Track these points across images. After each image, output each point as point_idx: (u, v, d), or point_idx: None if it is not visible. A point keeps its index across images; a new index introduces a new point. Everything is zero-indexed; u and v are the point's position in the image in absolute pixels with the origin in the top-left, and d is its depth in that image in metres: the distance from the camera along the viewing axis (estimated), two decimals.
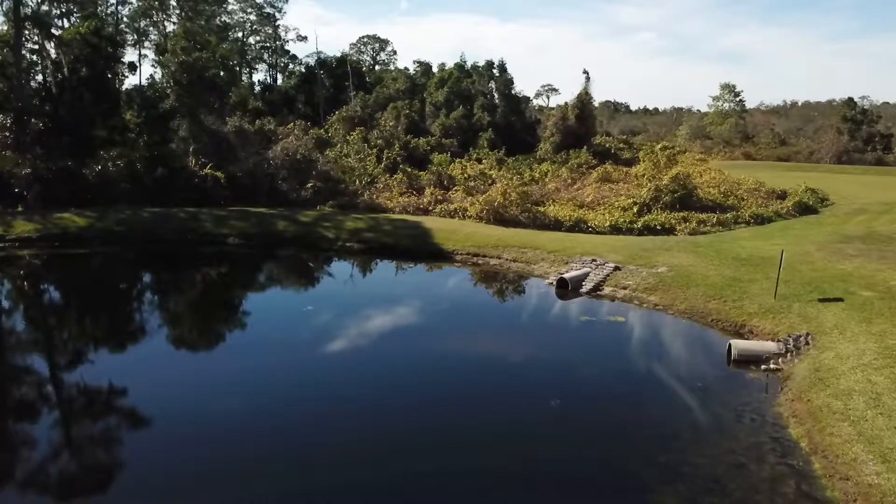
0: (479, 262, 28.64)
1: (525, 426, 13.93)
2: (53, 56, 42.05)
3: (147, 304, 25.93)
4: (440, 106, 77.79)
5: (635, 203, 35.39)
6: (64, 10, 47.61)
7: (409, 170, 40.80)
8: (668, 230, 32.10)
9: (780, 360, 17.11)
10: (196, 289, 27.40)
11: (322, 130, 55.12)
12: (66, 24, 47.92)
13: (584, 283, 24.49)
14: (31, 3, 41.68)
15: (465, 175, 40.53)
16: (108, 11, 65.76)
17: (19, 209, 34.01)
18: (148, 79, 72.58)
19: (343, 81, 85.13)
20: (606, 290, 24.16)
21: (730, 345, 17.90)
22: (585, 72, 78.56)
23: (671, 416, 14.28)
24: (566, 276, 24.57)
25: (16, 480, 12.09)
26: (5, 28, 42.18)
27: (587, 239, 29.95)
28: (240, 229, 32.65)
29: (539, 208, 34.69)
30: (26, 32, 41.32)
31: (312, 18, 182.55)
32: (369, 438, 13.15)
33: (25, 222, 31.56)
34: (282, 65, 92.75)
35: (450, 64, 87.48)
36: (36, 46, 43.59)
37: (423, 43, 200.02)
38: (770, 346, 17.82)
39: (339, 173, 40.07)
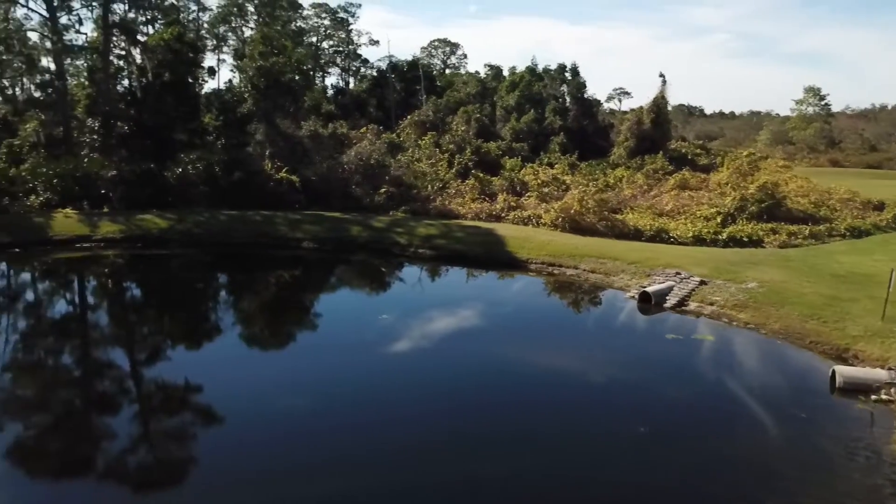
0: (555, 272, 27.78)
1: (612, 455, 13.11)
2: (139, 62, 43.42)
3: (223, 305, 26.21)
4: (511, 110, 76.90)
5: (719, 213, 33.82)
6: (149, 16, 49.02)
7: (482, 175, 40.19)
8: (756, 242, 30.46)
9: (892, 390, 15.68)
10: (271, 292, 27.59)
11: (394, 135, 55.09)
12: (150, 31, 49.31)
13: (667, 298, 23.35)
14: (118, 11, 42.86)
15: (539, 181, 39.62)
16: (190, 18, 67.75)
17: (105, 210, 35.09)
18: (226, 83, 74.59)
19: (414, 85, 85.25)
20: (692, 305, 22.94)
21: (833, 371, 16.57)
22: (662, 75, 76.39)
23: (773, 451, 13.19)
24: (649, 289, 23.49)
25: (97, 470, 12.70)
26: (94, 35, 43.83)
27: (669, 250, 28.66)
28: (314, 233, 32.74)
29: (616, 216, 33.56)
30: (114, 39, 42.77)
31: (382, 23, 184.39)
32: (438, 459, 12.65)
33: (110, 223, 32.49)
34: (354, 69, 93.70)
35: (520, 67, 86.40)
36: (122, 52, 45.11)
37: (490, 46, 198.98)
38: (880, 374, 16.37)
39: (412, 178, 39.83)
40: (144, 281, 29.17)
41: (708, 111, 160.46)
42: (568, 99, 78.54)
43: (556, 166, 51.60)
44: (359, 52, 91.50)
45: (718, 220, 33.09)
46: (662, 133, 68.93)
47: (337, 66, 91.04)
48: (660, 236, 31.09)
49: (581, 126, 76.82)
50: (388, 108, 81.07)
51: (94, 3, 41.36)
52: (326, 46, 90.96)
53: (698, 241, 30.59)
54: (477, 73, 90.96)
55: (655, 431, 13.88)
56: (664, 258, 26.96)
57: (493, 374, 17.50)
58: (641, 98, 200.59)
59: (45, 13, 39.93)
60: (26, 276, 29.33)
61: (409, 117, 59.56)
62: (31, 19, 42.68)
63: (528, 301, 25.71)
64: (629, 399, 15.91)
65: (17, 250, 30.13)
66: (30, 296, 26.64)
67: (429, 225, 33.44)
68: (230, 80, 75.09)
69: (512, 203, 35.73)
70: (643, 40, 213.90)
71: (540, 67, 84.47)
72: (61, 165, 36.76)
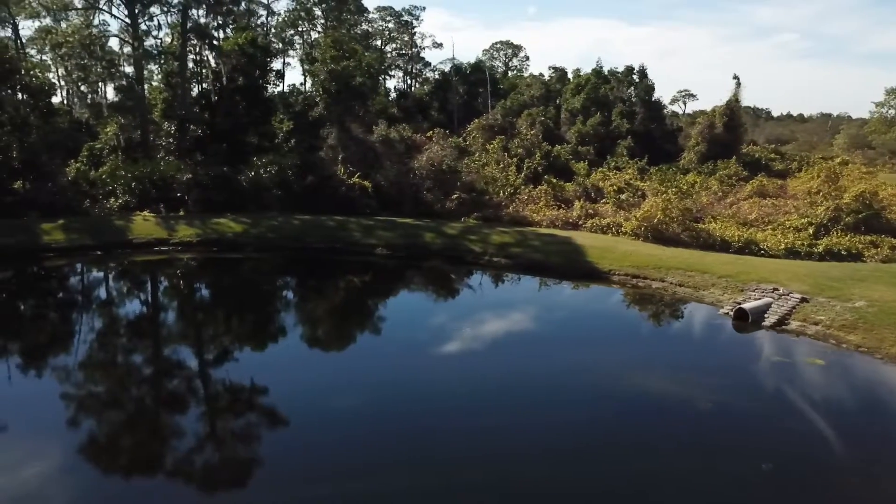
0: (640, 284, 26.59)
1: (732, 496, 12.02)
2: (213, 66, 43.97)
3: (296, 309, 25.98)
4: (576, 113, 75.52)
5: (810, 223, 32.00)
6: (221, 21, 49.72)
7: (555, 181, 39.17)
8: (855, 256, 28.63)
9: None
10: (345, 297, 27.28)
11: (460, 139, 54.55)
12: (221, 35, 50.00)
13: (766, 316, 21.95)
14: (196, 17, 43.53)
15: (615, 187, 38.37)
16: (258, 22, 68.73)
17: (181, 213, 35.49)
18: (289, 86, 75.44)
19: (477, 88, 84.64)
20: (793, 324, 21.49)
21: None
22: (736, 77, 74.06)
23: None
24: (745, 306, 22.12)
25: (165, 468, 12.99)
26: (170, 40, 44.62)
27: (761, 263, 27.12)
28: (387, 240, 32.34)
29: (699, 225, 32.11)
30: (189, 44, 43.43)
31: (442, 25, 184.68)
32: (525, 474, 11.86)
33: (187, 227, 32.76)
34: (416, 71, 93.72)
35: (584, 69, 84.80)
36: (197, 57, 45.82)
37: (549, 48, 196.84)
38: None
39: (482, 184, 39.12)
40: (220, 284, 29.31)
41: (775, 113, 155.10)
42: (636, 102, 76.74)
43: (627, 171, 50.24)
44: (421, 55, 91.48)
45: (810, 230, 31.32)
46: (735, 137, 66.58)
47: (399, 68, 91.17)
48: (749, 248, 29.55)
49: (648, 130, 74.89)
50: (451, 112, 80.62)
51: (172, 9, 42.11)
52: (389, 49, 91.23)
53: (791, 253, 28.94)
54: (540, 75, 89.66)
55: (781, 469, 12.75)
56: (757, 272, 25.48)
57: (584, 391, 16.61)
58: (707, 101, 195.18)
59: (126, 19, 40.89)
60: (108, 277, 29.82)
61: (475, 121, 58.85)
62: (107, 24, 44.01)
63: (614, 315, 24.63)
64: (742, 431, 14.74)
65: (98, 253, 30.64)
66: (111, 297, 27.01)
67: (503, 232, 32.64)
68: (293, 84, 76.18)
69: (590, 210, 34.60)
70: (706, 40, 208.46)
71: (606, 70, 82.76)
72: (139, 169, 37.39)
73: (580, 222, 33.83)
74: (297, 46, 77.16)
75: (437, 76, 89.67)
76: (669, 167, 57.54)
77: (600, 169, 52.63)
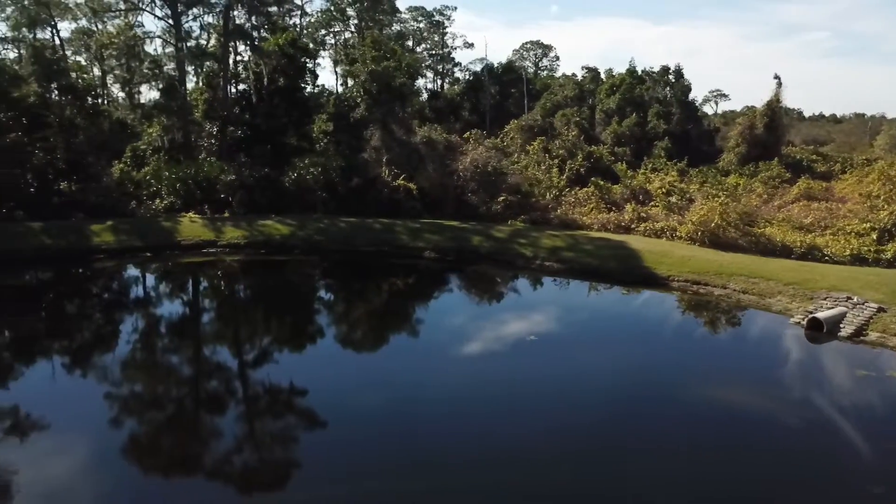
0: (701, 290, 25.82)
1: None
2: (254, 67, 43.78)
3: (349, 313, 25.52)
4: (611, 113, 74.52)
5: (873, 228, 30.92)
6: (260, 22, 49.56)
7: (602, 183, 38.42)
8: None
9: None
10: (404, 303, 26.95)
11: (497, 140, 53.92)
12: (257, 36, 49.83)
13: (841, 326, 21.12)
14: (238, 18, 43.42)
15: (663, 189, 37.53)
16: (292, 23, 68.58)
17: (226, 215, 35.31)
18: (317, 87, 75.23)
19: (509, 88, 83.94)
20: (872, 335, 20.63)
21: None
22: (777, 77, 72.26)
23: None
24: (819, 315, 21.29)
25: (205, 467, 13.18)
26: (211, 41, 44.57)
27: (828, 270, 26.21)
28: (435, 243, 31.87)
29: (755, 229, 31.20)
30: (231, 45, 43.35)
31: (465, 25, 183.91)
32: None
33: (234, 229, 32.57)
34: (446, 72, 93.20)
35: (616, 69, 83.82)
36: (237, 58, 45.74)
37: (572, 47, 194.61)
38: None
39: (527, 186, 38.48)
40: (271, 286, 29.11)
41: (806, 113, 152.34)
42: (672, 102, 75.59)
43: (667, 173, 49.30)
44: (452, 55, 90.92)
45: (873, 236, 30.26)
46: (776, 139, 65.12)
47: (430, 69, 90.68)
48: (811, 254, 28.63)
49: (685, 130, 73.73)
50: (483, 112, 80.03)
51: (213, 10, 41.98)
52: (419, 50, 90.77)
53: (857, 259, 27.98)
54: (573, 75, 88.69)
55: (892, 494, 12.04)
56: (825, 279, 24.59)
57: (658, 405, 15.90)
58: (739, 101, 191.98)
59: (168, 21, 40.87)
60: (158, 279, 29.74)
61: (513, 121, 58.17)
62: (141, 24, 44.04)
63: (680, 323, 23.90)
64: (843, 449, 14.00)
65: (148, 254, 30.55)
66: (164, 299, 26.94)
67: (553, 236, 32.00)
68: (323, 85, 75.81)
69: (642, 214, 33.81)
70: (733, 39, 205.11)
71: (639, 69, 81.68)
72: (182, 170, 37.30)
73: (632, 226, 33.06)
74: (328, 47, 77.12)
75: (468, 76, 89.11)
76: (709, 169, 56.47)
77: (641, 171, 51.71)
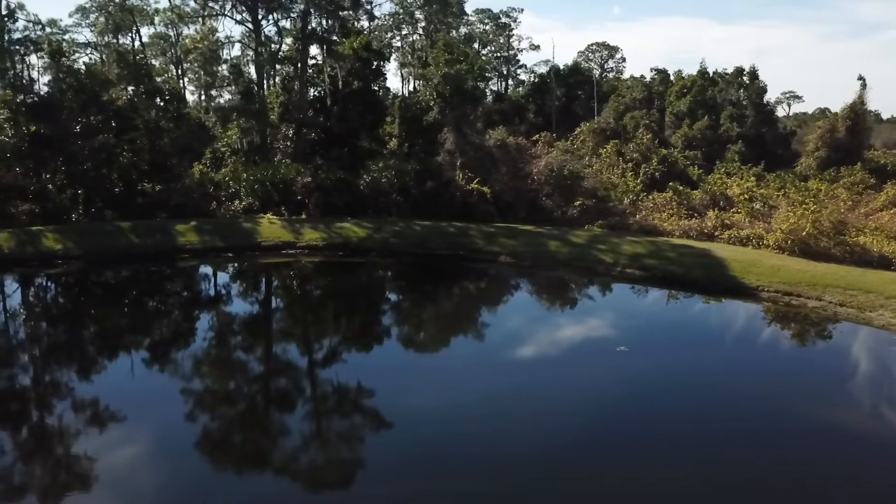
0: (794, 302, 24.73)
1: None
2: (329, 70, 44.35)
3: (428, 316, 25.46)
4: (682, 116, 72.88)
5: None
6: (333, 26, 50.21)
7: (681, 188, 37.42)
8: None
9: None
10: (484, 307, 26.77)
11: (567, 143, 53.27)
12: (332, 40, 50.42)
13: None
14: (311, 22, 44.01)
15: (746, 195, 36.30)
16: (361, 27, 69.39)
17: (303, 217, 35.83)
18: (381, 89, 75.67)
19: (576, 90, 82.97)
20: None
21: None
22: (861, 78, 69.35)
23: None
24: None
25: (272, 465, 13.42)
26: (289, 45, 45.31)
27: None
28: (510, 247, 31.54)
29: (848, 238, 29.78)
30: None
31: (526, 26, 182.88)
32: None
33: (312, 230, 33.00)
34: (512, 74, 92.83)
35: (686, 70, 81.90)
36: (314, 61, 46.35)
37: (635, 48, 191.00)
38: None
39: (603, 190, 37.82)
40: (348, 288, 29.40)
41: (884, 115, 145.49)
42: (745, 104, 73.37)
43: (744, 178, 47.75)
44: (517, 57, 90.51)
45: None
46: (859, 143, 62.48)
47: (495, 71, 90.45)
48: None
49: (759, 133, 71.53)
50: (549, 114, 79.30)
51: (292, 15, 42.71)
52: (485, 52, 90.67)
53: None
54: (641, 77, 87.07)
55: None
56: None
57: (767, 428, 15.02)
58: (812, 102, 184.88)
59: (248, 25, 41.78)
60: (240, 279, 30.44)
61: (584, 124, 57.40)
62: (214, 30, 45.06)
63: (775, 336, 22.93)
64: None
65: (229, 254, 31.27)
66: (245, 298, 27.58)
67: (634, 242, 31.27)
68: (388, 88, 76.40)
69: (726, 221, 32.74)
70: (806, 39, 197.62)
71: (710, 70, 79.57)
72: (260, 171, 38.03)
73: (716, 233, 32.04)
74: (394, 50, 77.74)
75: (533, 79, 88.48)
76: (787, 174, 54.46)
77: (717, 175, 50.26)
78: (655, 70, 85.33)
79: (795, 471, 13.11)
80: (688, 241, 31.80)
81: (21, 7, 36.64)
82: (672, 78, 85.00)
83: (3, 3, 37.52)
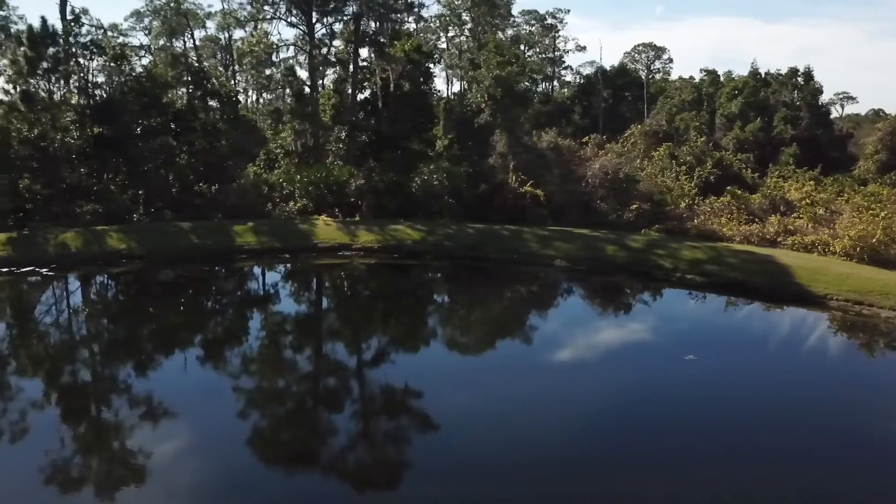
0: (865, 311, 23.93)
1: None
2: (381, 73, 44.55)
3: (491, 322, 25.24)
4: (733, 118, 71.35)
5: None
6: (384, 29, 50.48)
7: (739, 192, 36.58)
8: None
9: None
10: (547, 314, 26.70)
11: (617, 145, 52.59)
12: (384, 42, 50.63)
13: None
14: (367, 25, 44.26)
15: (808, 200, 35.31)
16: (410, 29, 69.63)
17: (357, 219, 36.04)
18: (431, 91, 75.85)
19: (622, 92, 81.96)
20: None
21: None
22: None
23: None
24: None
25: (320, 464, 13.61)
26: (341, 47, 45.66)
27: None
28: (565, 251, 31.24)
29: None
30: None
31: (568, 27, 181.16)
32: None
33: (367, 232, 33.19)
34: (557, 75, 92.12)
35: (737, 71, 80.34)
36: (364, 64, 46.63)
37: (679, 48, 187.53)
38: None
39: (659, 194, 37.20)
40: (405, 290, 29.65)
41: None
42: (799, 106, 71.55)
43: (797, 180, 46.53)
44: (563, 58, 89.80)
45: None
46: None
47: (541, 72, 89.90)
48: None
49: (813, 136, 69.66)
50: (595, 116, 78.51)
51: (345, 18, 43.03)
52: (530, 53, 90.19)
53: None
54: (691, 78, 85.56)
55: None
56: None
57: (838, 443, 14.56)
58: (867, 103, 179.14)
59: (302, 28, 42.21)
60: (300, 280, 30.87)
61: (635, 126, 56.63)
62: (266, 33, 45.53)
63: (845, 347, 22.28)
64: None
65: (287, 255, 31.66)
66: (304, 299, 27.99)
67: (693, 247, 30.67)
68: (437, 90, 76.47)
69: (790, 227, 31.89)
70: (858, 37, 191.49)
71: (762, 71, 77.88)
72: (313, 173, 38.37)
73: (778, 239, 31.23)
74: (441, 52, 77.75)
75: (579, 80, 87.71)
76: (844, 177, 52.88)
77: (772, 178, 49.07)
78: (705, 71, 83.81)
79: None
80: (749, 246, 31.07)
81: (85, 12, 37.39)
82: (722, 79, 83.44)
83: (69, 7, 38.46)
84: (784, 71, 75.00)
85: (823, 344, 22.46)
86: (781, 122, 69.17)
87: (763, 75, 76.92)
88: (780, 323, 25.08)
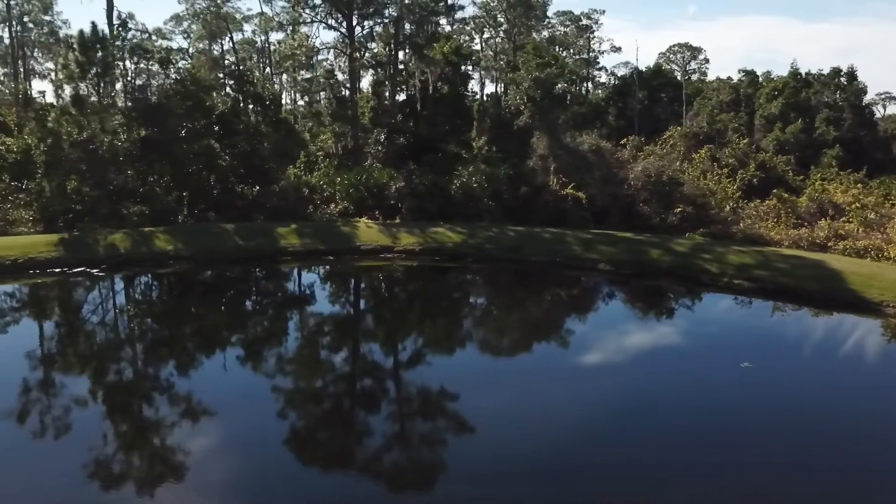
0: None
1: None
2: (420, 75, 44.68)
3: (535, 325, 25.11)
4: (773, 119, 70.17)
5: None
6: (424, 31, 50.60)
7: (786, 195, 35.93)
8: None
9: None
10: (594, 319, 26.37)
11: (656, 147, 52.00)
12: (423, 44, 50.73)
13: None
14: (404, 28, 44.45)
15: (858, 204, 34.55)
16: (445, 30, 69.68)
17: (397, 221, 36.14)
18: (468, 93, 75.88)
19: (658, 93, 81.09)
20: None
21: None
22: None
23: None
24: None
25: (356, 465, 13.66)
26: (381, 50, 45.87)
27: None
28: (609, 255, 30.93)
29: None
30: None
31: (600, 27, 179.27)
32: None
33: (408, 235, 33.25)
34: (591, 76, 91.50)
35: (776, 71, 78.90)
36: (402, 66, 46.80)
37: (713, 48, 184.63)
38: None
39: (703, 197, 36.69)
40: (448, 292, 29.76)
41: None
42: (842, 107, 70.12)
43: (841, 182, 45.55)
44: (598, 59, 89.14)
45: None
46: None
47: (578, 74, 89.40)
48: None
49: (857, 137, 68.27)
50: (630, 117, 77.78)
51: (385, 21, 43.22)
52: (564, 55, 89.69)
53: None
54: (729, 78, 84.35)
55: None
56: None
57: None
58: None
59: (343, 30, 42.51)
60: (345, 282, 31.13)
61: (674, 128, 55.99)
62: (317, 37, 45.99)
63: None
64: None
65: (330, 257, 31.87)
66: (353, 301, 28.09)
67: (740, 252, 30.17)
68: (474, 92, 76.45)
69: (839, 231, 31.23)
70: None
71: (804, 72, 76.43)
72: (353, 176, 38.57)
73: (828, 244, 30.59)
74: (474, 54, 77.71)
75: (614, 81, 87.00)
76: (891, 180, 51.64)
77: (816, 181, 48.14)
78: (743, 71, 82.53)
79: None
80: (798, 251, 30.47)
81: (131, 17, 38.09)
82: (761, 79, 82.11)
83: (115, 12, 39.24)
84: (826, 71, 73.49)
85: (884, 353, 21.90)
86: (823, 123, 67.94)
87: (804, 75, 75.55)
88: (835, 330, 24.52)
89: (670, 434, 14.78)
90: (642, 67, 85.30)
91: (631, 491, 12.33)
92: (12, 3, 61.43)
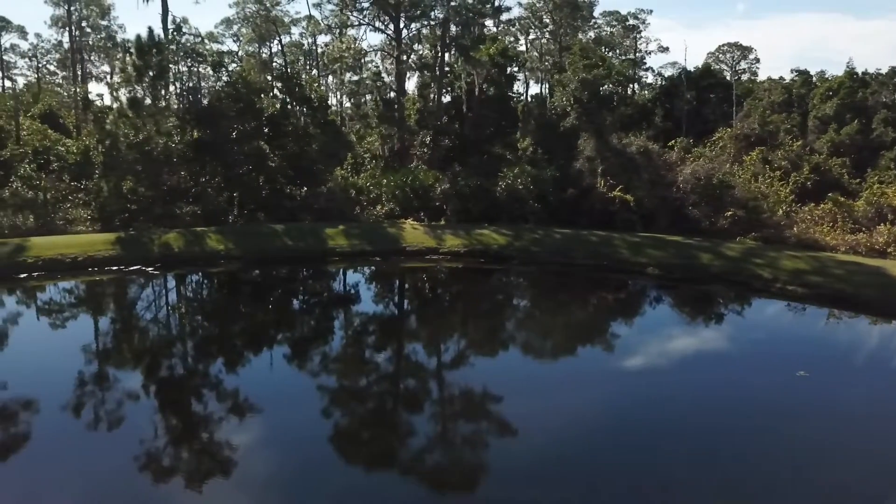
0: None
1: None
2: (466, 77, 44.72)
3: (585, 330, 24.92)
4: (827, 120, 68.31)
5: None
6: (470, 33, 50.66)
7: (842, 199, 34.88)
8: None
9: None
10: (644, 324, 25.92)
11: (705, 149, 51.06)
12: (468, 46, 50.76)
13: None
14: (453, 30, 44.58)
15: None
16: (490, 32, 69.59)
17: (442, 223, 36.26)
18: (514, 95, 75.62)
19: (707, 94, 79.56)
20: None
21: None
22: None
23: None
24: None
25: (398, 464, 13.75)
26: (427, 52, 46.10)
27: None
28: (658, 259, 30.47)
29: None
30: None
31: (647, 27, 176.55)
32: None
33: (453, 237, 33.32)
34: (637, 76, 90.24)
35: (830, 70, 76.66)
36: (448, 68, 46.91)
37: (763, 47, 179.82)
38: None
39: (754, 200, 35.87)
40: (493, 295, 29.62)
41: None
42: None
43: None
44: (645, 60, 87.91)
45: None
46: None
47: (626, 75, 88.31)
48: None
49: None
50: (678, 119, 76.43)
51: (431, 23, 43.42)
52: (611, 55, 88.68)
53: None
54: (781, 78, 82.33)
55: None
56: None
57: None
58: None
59: (390, 32, 42.89)
60: (392, 283, 31.38)
61: (724, 129, 54.87)
62: (365, 39, 46.54)
63: None
64: None
65: (377, 258, 32.16)
66: (400, 302, 28.27)
67: (794, 257, 29.40)
68: (519, 94, 76.16)
69: None
70: None
71: (861, 71, 74.17)
72: (399, 177, 38.84)
73: (888, 249, 29.59)
74: (519, 55, 77.43)
75: (661, 81, 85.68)
76: None
77: (873, 184, 46.62)
78: (796, 71, 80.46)
79: None
80: (855, 257, 29.56)
81: (185, 21, 39.08)
82: (815, 79, 79.96)
83: (170, 17, 40.29)
84: (884, 70, 71.16)
85: None
86: (881, 124, 65.87)
87: (860, 75, 73.32)
88: (894, 339, 23.72)
89: (727, 444, 14.38)
90: (690, 68, 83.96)
91: (677, 500, 12.19)
92: (72, 8, 63.57)
